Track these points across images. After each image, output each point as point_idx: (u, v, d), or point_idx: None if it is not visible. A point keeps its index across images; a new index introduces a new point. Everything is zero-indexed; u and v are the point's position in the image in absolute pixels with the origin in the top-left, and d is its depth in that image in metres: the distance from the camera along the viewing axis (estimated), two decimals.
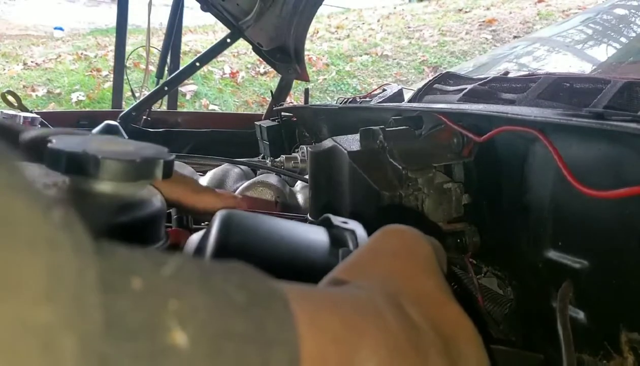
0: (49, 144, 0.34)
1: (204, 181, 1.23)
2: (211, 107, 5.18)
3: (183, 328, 0.19)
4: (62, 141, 0.35)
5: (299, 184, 1.26)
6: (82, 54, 6.00)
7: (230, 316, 0.21)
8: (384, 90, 1.39)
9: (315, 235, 0.41)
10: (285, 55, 1.87)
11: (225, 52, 2.31)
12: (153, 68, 2.66)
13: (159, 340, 0.18)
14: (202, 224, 0.92)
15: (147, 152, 0.36)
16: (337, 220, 0.43)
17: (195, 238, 0.44)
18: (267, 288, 0.23)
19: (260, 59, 2.01)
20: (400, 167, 0.63)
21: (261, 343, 0.21)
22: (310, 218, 0.79)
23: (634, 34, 1.35)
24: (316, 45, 6.45)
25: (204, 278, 0.21)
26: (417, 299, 0.30)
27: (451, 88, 0.96)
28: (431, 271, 0.33)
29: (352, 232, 0.41)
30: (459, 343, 0.31)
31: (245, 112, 4.68)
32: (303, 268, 0.37)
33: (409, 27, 7.00)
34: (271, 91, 1.96)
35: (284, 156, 1.35)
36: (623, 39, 1.36)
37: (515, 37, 5.98)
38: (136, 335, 0.18)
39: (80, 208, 0.18)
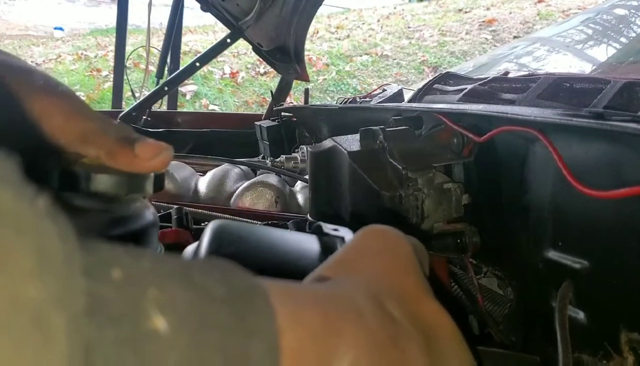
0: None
1: (204, 181, 1.23)
2: (211, 107, 5.18)
3: (163, 315, 0.19)
4: None
5: (299, 184, 1.26)
6: (82, 54, 6.01)
7: (211, 307, 0.21)
8: (384, 90, 1.39)
9: (305, 244, 0.42)
10: (285, 56, 1.87)
11: (225, 52, 2.31)
12: (153, 68, 2.66)
13: (141, 326, 0.19)
14: (203, 224, 0.92)
15: None
16: (327, 228, 0.43)
17: (189, 249, 0.44)
18: (247, 283, 0.24)
19: (260, 59, 2.01)
20: (400, 167, 0.63)
21: (241, 333, 0.22)
22: (310, 218, 0.79)
23: (634, 34, 1.36)
24: (316, 46, 6.46)
25: (184, 271, 0.22)
26: (397, 297, 0.31)
27: (451, 88, 0.96)
28: (411, 270, 0.34)
29: (342, 239, 0.41)
30: (439, 339, 0.31)
31: (245, 113, 4.68)
32: (293, 277, 0.38)
33: (409, 27, 7.00)
34: (271, 91, 1.96)
35: (284, 156, 1.35)
36: (623, 39, 1.36)
37: (515, 37, 5.98)
38: (118, 321, 0.18)
39: (72, 222, 0.19)
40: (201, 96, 5.35)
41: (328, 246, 0.41)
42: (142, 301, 0.19)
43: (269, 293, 0.24)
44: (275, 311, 0.23)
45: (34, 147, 0.33)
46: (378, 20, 7.40)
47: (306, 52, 1.95)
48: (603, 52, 1.34)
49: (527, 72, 1.06)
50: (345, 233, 0.42)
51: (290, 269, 0.38)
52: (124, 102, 2.44)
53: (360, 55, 6.33)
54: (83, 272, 0.18)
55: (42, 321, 0.16)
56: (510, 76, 0.97)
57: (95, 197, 0.36)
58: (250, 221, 0.93)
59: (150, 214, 0.39)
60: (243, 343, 0.22)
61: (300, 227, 0.81)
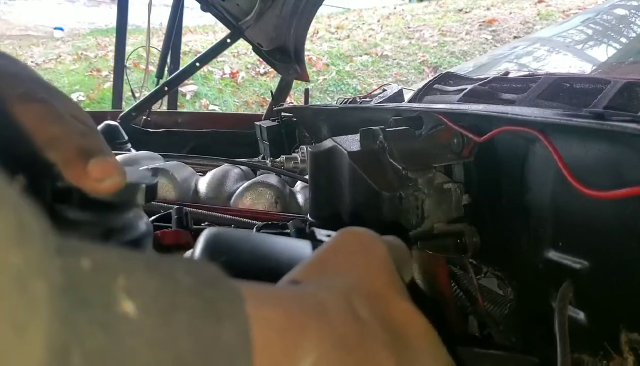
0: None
1: (204, 181, 1.23)
2: (211, 107, 5.18)
3: (132, 300, 0.20)
4: None
5: (299, 185, 1.26)
6: (82, 54, 6.01)
7: (179, 293, 0.22)
8: (384, 90, 1.39)
9: (297, 250, 0.42)
10: (285, 56, 1.87)
11: (225, 52, 2.31)
12: (153, 68, 2.66)
13: (111, 310, 0.20)
14: (203, 224, 0.92)
15: (130, 178, 0.37)
16: (320, 233, 0.44)
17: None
18: (215, 275, 0.24)
19: (260, 59, 2.01)
20: (400, 167, 0.63)
21: (211, 317, 0.22)
22: (310, 218, 0.79)
23: (634, 34, 1.36)
24: (316, 46, 6.46)
25: (152, 262, 0.22)
26: (367, 295, 0.32)
27: (451, 88, 0.96)
28: (384, 269, 0.34)
29: None
30: (410, 338, 0.32)
31: (245, 113, 4.68)
32: None
33: (409, 28, 7.00)
34: (271, 91, 1.96)
35: (284, 156, 1.35)
36: (623, 39, 1.36)
37: (515, 37, 5.98)
38: (89, 303, 0.19)
39: (65, 235, 0.19)
40: (201, 96, 5.35)
41: None
42: (111, 287, 0.20)
43: (237, 287, 0.25)
44: (243, 299, 0.24)
45: (24, 159, 0.33)
46: (378, 21, 7.40)
47: (306, 52, 1.95)
48: (603, 52, 1.34)
49: (527, 72, 1.06)
50: None
51: (282, 276, 0.39)
52: (124, 102, 2.44)
53: (360, 56, 6.33)
54: (57, 252, 0.19)
55: (25, 286, 0.16)
56: (510, 76, 0.97)
57: (87, 209, 0.36)
58: (250, 221, 0.93)
59: (143, 224, 0.40)
60: (213, 326, 0.22)
61: (299, 228, 0.81)
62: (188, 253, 0.44)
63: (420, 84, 1.07)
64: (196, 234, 0.77)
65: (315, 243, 0.44)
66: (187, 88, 5.21)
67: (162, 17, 3.16)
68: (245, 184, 1.16)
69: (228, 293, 0.24)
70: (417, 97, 1.03)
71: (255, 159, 1.57)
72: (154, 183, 0.38)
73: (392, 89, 1.36)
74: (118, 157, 1.23)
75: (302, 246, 0.43)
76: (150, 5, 2.59)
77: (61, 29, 7.42)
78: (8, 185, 0.18)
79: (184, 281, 0.22)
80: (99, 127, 1.71)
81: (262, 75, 5.80)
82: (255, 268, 0.39)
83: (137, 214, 0.40)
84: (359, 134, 0.71)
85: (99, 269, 0.20)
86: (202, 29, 6.86)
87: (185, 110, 4.32)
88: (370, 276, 0.33)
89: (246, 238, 0.43)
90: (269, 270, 0.39)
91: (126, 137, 1.75)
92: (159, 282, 0.21)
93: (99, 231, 0.36)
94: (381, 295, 0.32)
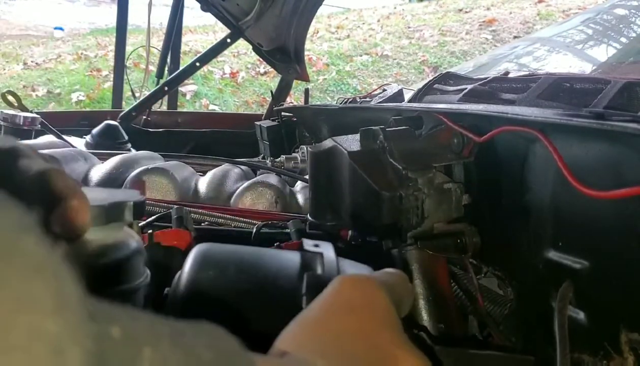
0: None
1: (204, 181, 1.23)
2: (211, 107, 5.18)
3: None
4: None
5: (299, 185, 1.26)
6: (82, 54, 6.00)
7: None
8: (384, 90, 1.39)
9: (285, 262, 0.43)
10: (285, 56, 1.87)
11: (225, 52, 2.31)
12: (153, 68, 2.66)
13: None
14: (203, 224, 0.92)
15: (116, 197, 0.39)
16: (308, 244, 0.45)
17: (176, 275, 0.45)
18: (234, 349, 0.25)
19: (260, 59, 2.01)
20: (401, 167, 0.63)
21: None
22: (310, 218, 0.79)
23: (634, 34, 1.35)
24: (316, 46, 6.45)
25: (175, 334, 0.24)
26: (371, 358, 0.32)
27: (451, 88, 0.96)
28: (387, 325, 0.34)
29: (321, 255, 0.42)
30: None
31: (245, 113, 4.68)
32: (271, 294, 0.40)
33: (409, 27, 7.00)
34: (271, 91, 1.96)
35: (284, 156, 1.35)
36: (623, 39, 1.36)
37: (515, 37, 5.98)
38: None
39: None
40: (201, 95, 5.34)
41: (307, 263, 0.42)
42: (138, 359, 0.21)
43: (254, 360, 0.26)
44: None
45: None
46: (378, 20, 7.40)
47: (306, 52, 1.95)
48: (603, 52, 1.34)
49: (527, 72, 1.06)
50: (324, 248, 0.43)
51: (268, 287, 0.40)
52: (124, 102, 2.44)
53: (361, 55, 6.33)
54: (90, 318, 0.20)
55: (60, 352, 0.17)
56: (510, 76, 0.97)
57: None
58: (250, 221, 0.93)
59: (134, 242, 0.41)
60: None
61: (299, 228, 0.81)
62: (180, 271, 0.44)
63: (421, 84, 1.07)
64: (196, 236, 0.77)
65: (304, 253, 0.44)
66: (187, 88, 5.20)
67: (162, 17, 3.16)
68: (246, 184, 1.16)
69: None
70: (417, 97, 1.03)
71: (256, 159, 1.57)
72: (142, 200, 0.39)
73: (392, 89, 1.36)
74: (118, 157, 1.23)
75: (290, 258, 0.44)
76: (150, 5, 2.59)
77: (61, 28, 7.41)
78: (51, 250, 0.19)
79: (205, 356, 0.23)
80: (99, 127, 1.71)
81: (262, 75, 5.80)
82: (243, 280, 0.40)
83: (127, 233, 0.41)
84: (359, 134, 0.71)
85: (127, 339, 0.21)
86: (202, 29, 6.86)
87: (185, 110, 4.31)
88: (373, 335, 0.33)
89: (234, 252, 0.44)
90: (256, 282, 0.40)
91: (126, 137, 1.75)
92: (182, 357, 0.22)
93: (90, 248, 0.37)
94: (389, 355, 0.33)
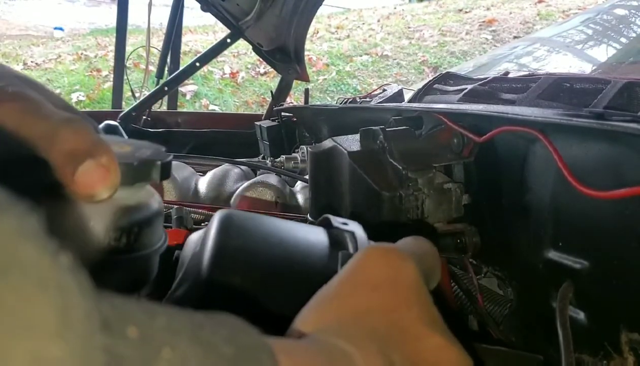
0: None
1: (204, 181, 1.23)
2: (211, 107, 5.18)
3: None
4: None
5: (299, 185, 1.26)
6: (82, 54, 6.00)
7: (220, 365, 0.22)
8: (384, 90, 1.39)
9: (314, 237, 0.41)
10: (285, 56, 1.87)
11: (225, 52, 2.31)
12: (153, 68, 2.66)
13: None
14: (202, 224, 0.92)
15: (144, 154, 0.36)
16: (336, 221, 0.42)
17: (194, 237, 0.44)
18: (254, 342, 0.24)
19: (260, 59, 2.00)
20: (401, 167, 0.63)
21: None
22: (310, 218, 0.79)
23: (634, 34, 1.35)
24: (316, 46, 6.45)
25: (194, 330, 0.22)
26: (396, 338, 0.30)
27: (451, 88, 0.96)
28: (414, 301, 0.32)
29: (352, 234, 0.40)
30: None
31: (245, 113, 4.68)
32: (302, 271, 0.37)
33: (409, 28, 7.00)
34: (271, 91, 1.96)
35: (284, 156, 1.35)
36: (623, 40, 1.36)
37: (515, 37, 5.98)
38: None
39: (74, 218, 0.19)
40: (201, 96, 5.34)
41: (337, 240, 0.40)
42: (156, 361, 0.20)
43: (274, 351, 0.25)
44: None
45: (9, 157, 0.31)
46: (378, 21, 7.40)
47: (306, 52, 1.95)
48: (603, 52, 1.34)
49: (527, 72, 1.06)
50: (354, 227, 0.41)
51: (299, 263, 0.38)
52: (124, 102, 2.44)
53: (360, 56, 6.33)
54: (101, 327, 0.18)
55: None
56: (510, 76, 0.97)
57: None
58: None
59: (155, 202, 0.38)
60: None
61: None
62: (199, 233, 0.43)
63: (420, 84, 1.07)
64: None
65: (331, 230, 0.42)
66: (187, 88, 5.20)
67: (162, 17, 3.16)
68: (246, 184, 1.16)
69: (265, 363, 0.24)
70: (417, 97, 1.03)
71: (256, 159, 1.57)
72: (169, 159, 0.37)
73: (392, 89, 1.36)
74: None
75: (318, 234, 0.42)
76: (150, 5, 2.58)
77: (61, 29, 7.41)
78: (55, 258, 0.17)
79: (225, 352, 0.22)
80: (100, 127, 1.71)
81: (262, 75, 5.80)
82: (271, 255, 0.38)
83: (149, 192, 0.39)
84: (359, 134, 0.71)
85: (144, 339, 0.20)
86: (202, 29, 6.86)
87: (185, 110, 4.31)
88: (399, 312, 0.31)
89: (261, 221, 0.41)
90: (285, 257, 0.38)
91: (126, 137, 1.75)
92: (201, 354, 0.21)
93: (111, 209, 0.35)
94: (411, 333, 0.31)
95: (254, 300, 0.35)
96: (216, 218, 0.39)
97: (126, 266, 0.36)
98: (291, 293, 0.35)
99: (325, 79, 5.85)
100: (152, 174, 0.35)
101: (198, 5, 1.80)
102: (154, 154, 0.36)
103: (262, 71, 5.79)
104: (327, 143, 0.75)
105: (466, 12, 7.27)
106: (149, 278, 0.39)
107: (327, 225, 0.43)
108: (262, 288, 0.36)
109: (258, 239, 0.38)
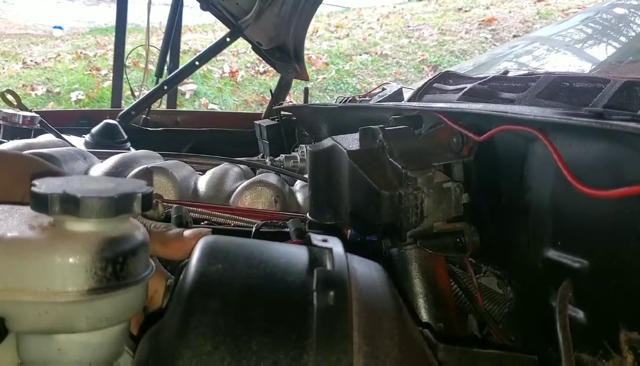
0: (32, 188, 0.37)
1: (203, 180, 1.23)
2: (211, 106, 5.17)
3: None
4: (45, 184, 0.38)
5: (298, 184, 1.26)
6: (81, 53, 6.00)
7: None
8: (384, 89, 1.39)
9: (294, 256, 0.42)
10: (285, 55, 1.87)
11: (225, 51, 2.31)
12: (152, 67, 2.66)
13: None
14: (202, 223, 0.92)
15: (125, 188, 0.38)
16: (316, 239, 0.44)
17: (181, 266, 0.45)
18: None
19: (260, 58, 2.00)
20: (400, 166, 0.63)
21: None
22: (309, 217, 0.79)
23: (633, 34, 1.35)
24: (316, 45, 6.45)
25: None
26: None
27: (451, 87, 0.96)
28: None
29: (330, 250, 0.42)
30: None
31: (244, 112, 4.67)
32: (280, 290, 0.39)
33: (408, 27, 7.00)
34: (270, 90, 1.96)
35: (283, 155, 1.35)
36: (623, 39, 1.36)
37: (514, 36, 5.98)
38: None
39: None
40: (201, 95, 5.34)
41: (316, 257, 0.42)
42: None
43: None
44: None
45: None
46: (378, 19, 7.40)
47: (306, 51, 1.95)
48: (603, 52, 1.34)
49: (526, 72, 1.06)
50: (333, 243, 0.43)
51: (277, 282, 0.40)
52: (123, 101, 2.44)
53: (360, 55, 6.33)
54: None
55: None
56: (509, 75, 0.97)
57: (85, 220, 0.37)
58: (249, 220, 0.93)
59: (140, 234, 0.41)
60: None
61: (299, 227, 0.81)
62: (185, 263, 0.44)
63: (420, 83, 1.07)
64: None
65: (312, 247, 0.44)
66: (187, 87, 5.20)
67: (161, 16, 3.16)
68: (245, 183, 1.15)
69: None
70: (417, 96, 1.03)
71: (255, 158, 1.57)
72: (150, 191, 0.39)
73: (392, 88, 1.36)
74: (117, 156, 1.23)
75: (298, 252, 0.43)
76: (149, 4, 2.58)
77: (60, 27, 7.40)
78: None
79: None
80: (99, 126, 1.71)
81: (261, 74, 5.80)
82: (251, 276, 0.40)
83: (133, 224, 0.41)
84: (358, 133, 0.71)
85: None
86: (201, 28, 6.85)
87: (184, 109, 4.31)
88: None
89: (242, 245, 0.44)
90: (265, 277, 0.40)
91: (125, 136, 1.75)
92: None
93: (97, 241, 0.37)
94: None
95: (236, 319, 0.36)
96: (198, 246, 0.42)
97: (114, 295, 0.38)
98: (272, 311, 0.37)
99: (325, 78, 5.85)
100: (134, 205, 0.38)
101: (197, 4, 1.80)
102: (134, 188, 0.39)
103: (261, 69, 5.79)
104: (327, 142, 0.75)
105: (466, 11, 7.27)
106: (139, 306, 0.41)
107: (308, 243, 0.45)
108: (240, 308, 0.37)
109: (238, 263, 0.40)
